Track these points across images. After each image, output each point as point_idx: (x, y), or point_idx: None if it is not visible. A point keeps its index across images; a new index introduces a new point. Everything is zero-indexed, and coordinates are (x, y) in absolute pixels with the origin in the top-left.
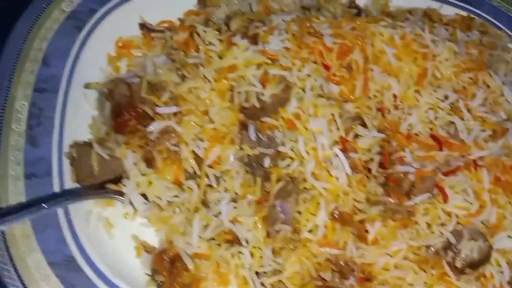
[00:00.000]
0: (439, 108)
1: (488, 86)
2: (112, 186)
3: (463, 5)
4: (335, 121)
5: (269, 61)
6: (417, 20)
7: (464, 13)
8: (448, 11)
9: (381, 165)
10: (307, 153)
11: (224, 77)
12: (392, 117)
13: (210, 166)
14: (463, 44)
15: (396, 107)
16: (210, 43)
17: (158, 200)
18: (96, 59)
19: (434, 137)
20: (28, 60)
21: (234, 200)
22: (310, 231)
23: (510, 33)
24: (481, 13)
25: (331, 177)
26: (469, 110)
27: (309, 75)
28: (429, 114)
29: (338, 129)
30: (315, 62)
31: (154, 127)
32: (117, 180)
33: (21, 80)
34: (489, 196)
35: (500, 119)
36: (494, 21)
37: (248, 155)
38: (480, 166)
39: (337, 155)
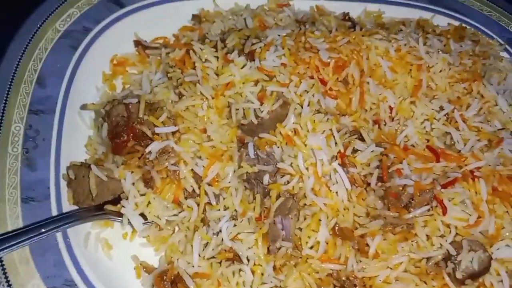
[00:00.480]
0: (435, 119)
1: (482, 96)
2: (111, 207)
3: (455, 14)
4: (333, 136)
5: (266, 78)
6: (410, 31)
7: (456, 23)
8: (440, 21)
9: (380, 178)
10: (307, 169)
11: (222, 94)
12: (388, 129)
13: (209, 184)
14: (456, 55)
15: (392, 119)
16: (207, 60)
17: (157, 219)
18: (92, 77)
19: (430, 148)
20: (23, 81)
21: (234, 218)
22: (311, 247)
23: (501, 41)
24: (472, 22)
25: (331, 193)
26: (464, 121)
27: (306, 91)
28: (425, 125)
29: (336, 144)
30: (311, 77)
31: (153, 148)
32: (116, 201)
33: (16, 102)
34: (487, 207)
35: (495, 129)
36: (486, 30)
37: (247, 172)
38: (477, 176)
39: (336, 170)
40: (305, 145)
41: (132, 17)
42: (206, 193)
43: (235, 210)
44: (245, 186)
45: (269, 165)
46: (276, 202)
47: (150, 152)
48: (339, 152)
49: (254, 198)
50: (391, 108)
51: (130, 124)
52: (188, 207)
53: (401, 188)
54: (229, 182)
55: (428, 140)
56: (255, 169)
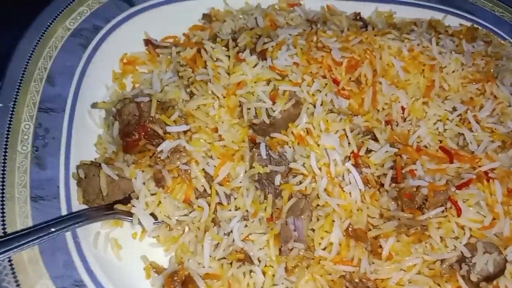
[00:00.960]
0: (448, 119)
1: (495, 97)
2: (121, 207)
3: (466, 15)
4: (346, 136)
5: (278, 77)
6: (422, 31)
7: (467, 23)
8: (451, 21)
9: (393, 179)
10: (320, 169)
11: (233, 94)
12: (400, 129)
13: (220, 184)
14: (469, 55)
15: (404, 119)
16: (218, 59)
17: (167, 219)
18: (102, 76)
19: (444, 149)
20: (33, 79)
21: (245, 218)
22: (324, 249)
23: None
24: (484, 23)
25: (344, 193)
26: (477, 122)
27: (319, 90)
28: (438, 126)
29: (349, 144)
30: (324, 77)
31: (164, 147)
32: (126, 200)
33: (26, 100)
34: (502, 208)
35: (509, 130)
36: (498, 30)
37: (259, 172)
38: (492, 178)
39: (349, 171)
40: (318, 145)
41: (142, 16)
42: (217, 193)
43: (247, 210)
44: (256, 187)
45: (281, 165)
46: (288, 203)
47: (161, 151)
48: (353, 152)
49: (265, 199)
50: (403, 109)
51: (142, 123)
52: (199, 207)
53: (415, 189)
54: (240, 182)
55: (441, 141)
56: (267, 169)
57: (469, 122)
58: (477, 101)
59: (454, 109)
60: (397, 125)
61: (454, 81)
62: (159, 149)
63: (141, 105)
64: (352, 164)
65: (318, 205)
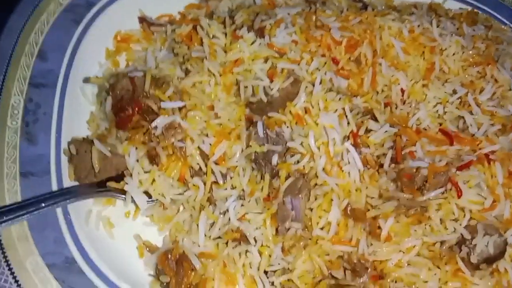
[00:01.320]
0: (447, 102)
1: (496, 80)
2: (114, 184)
3: None
4: (345, 115)
5: (276, 55)
6: (423, 14)
7: (468, 8)
8: (452, 5)
9: (393, 159)
10: (318, 148)
11: (230, 71)
12: (400, 112)
13: (216, 163)
14: (470, 38)
15: (404, 102)
16: (214, 36)
17: (162, 198)
18: (94, 53)
19: (444, 131)
20: (23, 54)
21: (241, 198)
22: (322, 228)
23: None
24: (484, 7)
25: (343, 173)
26: (478, 105)
27: (318, 69)
28: (438, 108)
29: (348, 123)
30: (323, 56)
31: (159, 123)
32: (119, 177)
33: (16, 75)
34: (503, 190)
35: (509, 113)
36: (498, 15)
37: (256, 152)
38: (493, 160)
39: (348, 150)
40: (317, 124)
41: None
42: (212, 172)
43: (243, 190)
44: (252, 167)
45: (278, 144)
46: (286, 182)
47: (156, 127)
48: (352, 131)
49: (262, 178)
50: (402, 91)
51: (136, 98)
52: (194, 185)
53: (414, 170)
54: (237, 161)
55: (440, 124)
56: (264, 148)
57: (469, 105)
58: (478, 84)
59: (454, 91)
60: (396, 108)
61: (455, 63)
62: (153, 125)
63: (135, 80)
64: (351, 144)
65: (316, 184)
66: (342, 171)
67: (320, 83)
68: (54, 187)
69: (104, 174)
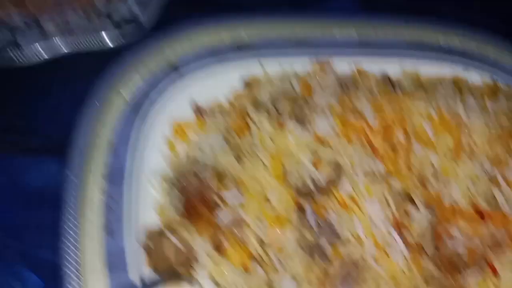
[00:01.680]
0: (478, 179)
1: None
2: (185, 271)
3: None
4: (387, 201)
5: (319, 144)
6: (448, 91)
7: (488, 79)
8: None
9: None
10: (366, 236)
11: (278, 160)
12: (433, 189)
13: (271, 249)
14: (493, 114)
15: (437, 180)
16: (262, 126)
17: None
18: (154, 142)
19: (477, 209)
20: (96, 148)
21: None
22: None
23: None
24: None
25: (389, 259)
26: (507, 183)
27: (356, 154)
28: (469, 185)
29: (390, 209)
30: (360, 141)
31: (224, 217)
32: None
33: (92, 169)
34: None
35: None
36: None
37: (308, 239)
38: None
39: (393, 237)
40: (362, 212)
41: (187, 79)
42: (269, 258)
43: (297, 276)
44: (305, 254)
45: (328, 232)
46: (339, 270)
47: (222, 220)
48: (394, 217)
49: (315, 265)
50: (434, 169)
51: (203, 194)
52: (254, 271)
53: (454, 253)
54: (290, 248)
55: (473, 202)
56: (315, 236)
57: (498, 182)
58: (504, 160)
59: (483, 168)
60: (429, 186)
61: (481, 140)
62: (219, 219)
63: (201, 176)
64: (395, 230)
65: (366, 272)
66: (388, 257)
67: (361, 169)
68: (135, 279)
69: (176, 263)
